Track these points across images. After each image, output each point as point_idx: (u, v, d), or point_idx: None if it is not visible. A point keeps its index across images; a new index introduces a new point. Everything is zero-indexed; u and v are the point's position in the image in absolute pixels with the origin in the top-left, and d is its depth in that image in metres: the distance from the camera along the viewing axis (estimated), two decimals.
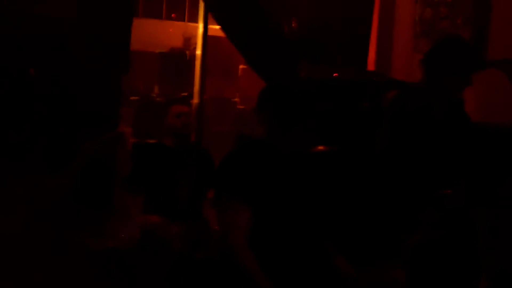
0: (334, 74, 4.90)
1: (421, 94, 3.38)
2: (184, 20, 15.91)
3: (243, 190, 2.61)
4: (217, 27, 5.29)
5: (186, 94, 5.02)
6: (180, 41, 13.25)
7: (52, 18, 3.79)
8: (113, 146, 3.50)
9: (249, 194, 2.60)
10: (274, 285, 2.52)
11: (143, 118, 5.21)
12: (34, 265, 3.03)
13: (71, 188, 3.23)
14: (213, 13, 5.36)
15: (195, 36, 6.08)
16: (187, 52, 8.51)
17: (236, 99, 6.76)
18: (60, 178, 3.08)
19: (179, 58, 8.30)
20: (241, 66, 7.17)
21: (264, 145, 2.75)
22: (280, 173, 2.72)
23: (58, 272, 3.23)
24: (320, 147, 4.06)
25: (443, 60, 3.36)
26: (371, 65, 5.98)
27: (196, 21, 6.10)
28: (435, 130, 3.30)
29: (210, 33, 5.79)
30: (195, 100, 5.38)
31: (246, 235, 2.58)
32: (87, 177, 3.43)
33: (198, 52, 5.52)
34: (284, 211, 2.67)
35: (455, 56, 3.35)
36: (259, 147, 2.74)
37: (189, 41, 11.08)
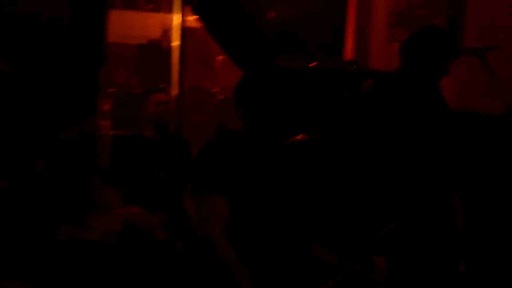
0: (312, 63, 4.92)
1: (398, 81, 3.41)
2: (159, 11, 15.85)
3: (220, 181, 2.62)
4: (193, 18, 5.29)
5: (164, 85, 4.99)
6: (158, 33, 13.17)
7: (24, 12, 3.75)
8: (84, 138, 3.48)
9: (226, 185, 2.61)
10: (252, 275, 2.54)
11: (122, 110, 5.18)
12: (13, 260, 3.02)
13: (44, 181, 3.22)
14: (189, 3, 5.34)
15: (172, 28, 6.05)
16: (164, 44, 8.46)
17: (215, 90, 6.75)
18: (32, 172, 3.07)
19: (157, 49, 8.25)
20: (218, 57, 7.17)
21: (241, 136, 2.76)
22: (258, 164, 2.73)
23: (39, 266, 3.22)
24: (299, 136, 4.08)
25: (420, 49, 3.40)
26: (350, 55, 6.02)
27: (172, 12, 6.07)
28: (412, 117, 3.33)
29: (187, 24, 5.79)
30: (174, 90, 5.38)
31: (223, 226, 2.60)
32: (63, 169, 3.42)
33: (175, 43, 5.51)
34: (262, 202, 2.68)
35: (432, 44, 3.39)
36: (236, 139, 2.75)
37: (167, 32, 11.02)
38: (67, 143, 3.33)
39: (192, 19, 5.63)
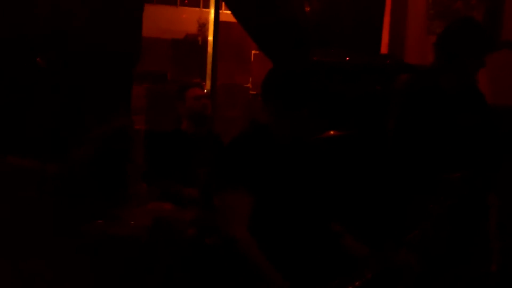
0: (347, 58, 4.86)
1: (434, 76, 3.34)
2: (198, 6, 15.91)
3: (245, 178, 2.58)
4: (229, 12, 5.27)
5: (198, 80, 5.00)
6: (194, 27, 13.22)
7: (61, 10, 3.78)
8: (121, 135, 3.50)
9: (251, 181, 2.57)
10: (281, 272, 2.51)
11: (156, 105, 5.20)
12: (45, 251, 3.05)
13: (82, 175, 3.24)
14: None
15: (209, 22, 6.05)
16: (200, 38, 8.48)
17: (248, 85, 6.73)
18: (69, 165, 3.09)
19: (192, 44, 8.28)
20: (253, 52, 7.15)
21: (269, 131, 2.73)
22: (286, 159, 2.69)
23: (71, 260, 3.24)
24: (332, 132, 4.04)
25: (456, 42, 3.31)
26: (384, 48, 5.93)
27: (209, 6, 6.06)
28: (448, 113, 3.26)
29: (222, 18, 5.77)
30: (207, 86, 5.38)
31: (247, 223, 2.56)
32: (99, 164, 3.44)
33: (210, 38, 5.50)
34: (289, 198, 2.65)
35: (468, 38, 3.30)
36: (263, 133, 2.71)
37: (203, 27, 11.05)
38: (104, 137, 3.35)
39: (227, 14, 5.61)
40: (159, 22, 9.71)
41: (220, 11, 5.74)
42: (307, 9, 5.70)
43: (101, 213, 3.66)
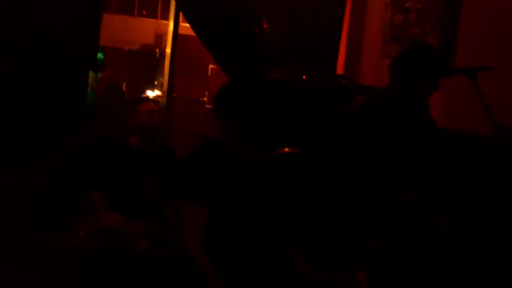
0: (303, 76, 4.90)
1: (387, 99, 3.39)
2: (156, 18, 15.86)
3: (200, 191, 2.58)
4: (187, 25, 5.27)
5: (149, 96, 4.99)
6: (151, 38, 13.17)
7: (21, 13, 3.74)
8: (79, 148, 3.47)
9: (206, 195, 2.58)
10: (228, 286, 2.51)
11: (108, 115, 5.16)
12: None
13: (45, 187, 3.20)
14: (183, 11, 5.33)
15: (166, 34, 6.03)
16: (157, 50, 8.46)
17: (204, 99, 6.72)
18: (34, 176, 3.05)
19: (149, 55, 8.25)
20: (210, 66, 7.15)
21: (221, 146, 2.73)
22: (239, 175, 2.70)
23: (21, 270, 3.18)
24: (286, 149, 4.06)
25: (409, 66, 3.38)
26: (340, 69, 6.00)
27: (168, 18, 6.05)
28: (401, 135, 3.31)
29: (180, 31, 5.76)
30: (163, 98, 5.36)
31: (201, 236, 2.57)
32: (58, 174, 3.40)
33: (168, 50, 5.49)
34: (242, 213, 2.65)
35: (421, 62, 3.37)
36: (217, 148, 2.72)
37: (160, 39, 11.02)
38: (64, 151, 3.32)
39: (186, 27, 5.61)
40: (116, 31, 9.65)
41: (179, 23, 5.73)
42: (266, 26, 5.74)
43: (51, 223, 3.61)
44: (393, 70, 3.46)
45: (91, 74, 5.32)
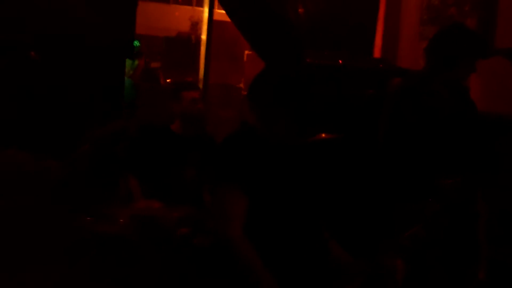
0: (339, 61, 4.87)
1: (425, 81, 3.34)
2: (191, 4, 15.88)
3: (238, 177, 2.56)
4: (223, 11, 5.26)
5: (190, 79, 4.99)
6: (187, 26, 13.20)
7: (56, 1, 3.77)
8: (120, 136, 3.49)
9: (245, 182, 2.56)
10: (272, 274, 2.50)
11: (148, 103, 5.19)
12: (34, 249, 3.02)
13: (80, 174, 3.23)
14: None
15: (202, 21, 6.03)
16: (193, 37, 8.46)
17: (240, 85, 6.71)
18: (69, 163, 3.08)
19: (185, 42, 8.24)
20: (246, 52, 7.13)
21: (257, 132, 2.71)
22: (275, 161, 2.67)
23: (60, 258, 3.22)
24: (323, 135, 4.04)
25: (446, 47, 3.32)
26: (377, 52, 5.94)
27: (203, 5, 6.04)
28: (438, 118, 3.27)
29: (216, 17, 5.75)
30: (200, 85, 5.36)
31: (243, 224, 2.55)
32: (96, 164, 3.43)
33: (204, 37, 5.49)
34: (281, 200, 2.63)
35: (458, 43, 3.31)
36: (253, 135, 2.70)
37: (196, 26, 11.02)
38: (103, 137, 3.34)
39: (221, 13, 5.59)
40: (152, 19, 9.69)
41: (214, 10, 5.72)
42: (301, 10, 5.71)
43: (90, 210, 3.65)
44: (429, 52, 3.40)
45: (128, 62, 5.37)
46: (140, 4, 4.70)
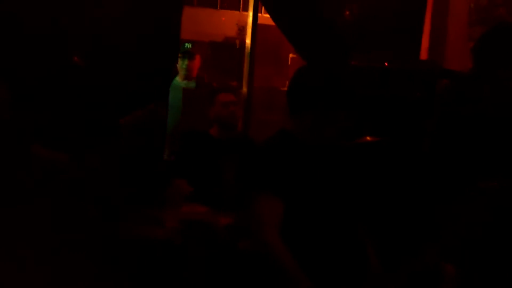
0: (385, 63, 4.81)
1: (471, 83, 3.28)
2: (238, 9, 15.95)
3: (273, 182, 2.53)
4: (268, 15, 5.25)
5: (235, 83, 5.00)
6: (234, 30, 13.24)
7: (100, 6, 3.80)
8: (150, 119, 3.49)
9: (281, 187, 2.53)
10: (310, 279, 2.47)
11: (191, 107, 5.22)
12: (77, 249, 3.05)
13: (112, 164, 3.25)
14: (262, 1, 5.32)
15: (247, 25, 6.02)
16: (237, 41, 8.48)
17: (285, 88, 6.68)
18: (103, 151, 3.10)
19: (229, 47, 8.28)
20: (291, 55, 7.12)
21: (295, 136, 2.68)
22: (314, 165, 2.64)
23: (104, 261, 3.25)
24: (367, 138, 3.99)
25: (494, 49, 3.25)
26: (424, 54, 5.86)
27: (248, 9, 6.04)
28: (485, 120, 3.19)
29: (260, 21, 5.75)
30: (244, 89, 5.36)
31: (279, 229, 2.52)
32: (130, 151, 3.43)
33: (248, 40, 5.48)
34: (319, 204, 2.60)
35: (505, 44, 3.24)
36: (291, 138, 2.67)
37: (243, 30, 11.07)
38: (134, 123, 3.34)
39: (266, 17, 5.59)
40: (199, 25, 9.76)
41: (259, 14, 5.72)
42: (347, 13, 5.66)
43: (135, 213, 3.67)
44: (476, 53, 3.34)
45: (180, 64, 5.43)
46: (187, 9, 4.72)
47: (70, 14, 3.50)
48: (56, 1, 3.50)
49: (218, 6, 16.57)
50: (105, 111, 3.57)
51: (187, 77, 5.52)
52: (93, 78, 3.57)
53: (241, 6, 16.08)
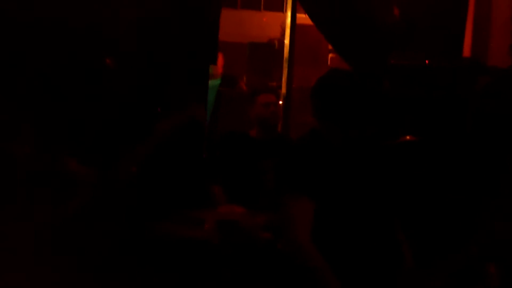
0: (426, 61, 4.74)
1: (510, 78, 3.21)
2: (282, 10, 15.94)
3: (306, 185, 2.53)
4: (305, 15, 5.24)
5: (274, 84, 4.99)
6: (278, 31, 13.23)
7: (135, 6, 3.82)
8: (189, 122, 3.50)
9: (311, 187, 2.52)
10: (341, 280, 2.46)
11: (231, 108, 5.23)
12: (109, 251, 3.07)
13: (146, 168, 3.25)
14: (301, 1, 5.31)
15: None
16: (276, 42, 8.47)
17: None
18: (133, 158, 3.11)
19: (268, 47, 8.28)
20: (330, 55, 7.08)
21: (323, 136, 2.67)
22: (345, 164, 2.62)
23: (140, 261, 3.27)
24: (408, 137, 3.95)
25: None
26: (467, 51, 5.76)
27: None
28: None
29: (299, 21, 5.73)
30: (283, 89, 5.35)
31: (310, 230, 2.51)
32: (166, 154, 3.44)
33: (286, 41, 5.48)
34: (352, 204, 2.58)
35: None
36: (322, 139, 2.66)
37: (285, 31, 11.03)
38: (171, 126, 3.35)
39: (304, 17, 5.56)
40: (241, 26, 9.82)
41: (299, 14, 5.71)
42: (387, 11, 5.60)
43: (173, 213, 3.69)
44: None
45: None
46: (230, 11, 4.73)
47: (104, 14, 3.52)
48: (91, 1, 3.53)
49: (262, 7, 16.60)
50: (140, 115, 3.59)
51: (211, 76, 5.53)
52: (127, 81, 3.59)
53: (284, 7, 16.07)
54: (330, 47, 5.93)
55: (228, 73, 5.61)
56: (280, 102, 5.02)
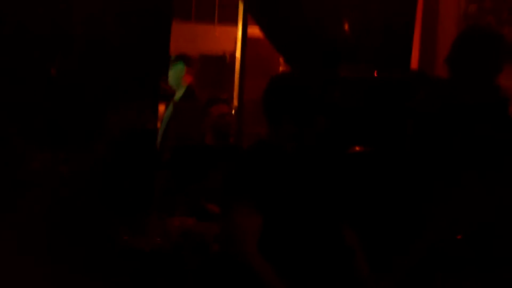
0: (375, 73, 4.84)
1: (449, 92, 3.26)
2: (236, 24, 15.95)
3: (253, 195, 2.55)
4: (257, 27, 5.28)
5: (226, 96, 5.04)
6: (232, 45, 13.26)
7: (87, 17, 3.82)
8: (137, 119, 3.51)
9: (260, 198, 2.54)
10: None
11: (182, 119, 5.26)
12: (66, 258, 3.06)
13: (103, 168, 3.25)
14: (252, 14, 5.36)
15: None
16: (228, 55, 8.52)
17: None
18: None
19: (219, 61, 8.32)
20: (281, 68, 7.16)
21: (272, 146, 2.70)
22: (294, 174, 2.65)
23: (92, 272, 3.26)
24: (357, 148, 4.02)
25: (464, 51, 3.20)
26: (414, 64, 5.87)
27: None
28: (466, 126, 3.16)
29: (251, 35, 5.78)
30: (235, 102, 5.40)
31: (257, 241, 2.53)
32: (120, 155, 3.44)
33: (237, 54, 5.53)
34: (298, 215, 2.61)
35: (476, 45, 3.18)
36: (271, 150, 2.68)
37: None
38: (122, 125, 3.37)
39: (256, 31, 5.62)
40: (196, 40, 9.87)
41: (250, 28, 5.76)
42: (337, 24, 5.68)
43: (124, 224, 3.67)
44: (449, 61, 3.32)
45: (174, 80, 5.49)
46: (184, 25, 4.76)
47: (58, 15, 3.52)
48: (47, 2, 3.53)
49: (216, 21, 16.65)
50: (90, 111, 3.58)
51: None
52: (76, 87, 3.60)
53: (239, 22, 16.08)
54: (281, 60, 5.97)
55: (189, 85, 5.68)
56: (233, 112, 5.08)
